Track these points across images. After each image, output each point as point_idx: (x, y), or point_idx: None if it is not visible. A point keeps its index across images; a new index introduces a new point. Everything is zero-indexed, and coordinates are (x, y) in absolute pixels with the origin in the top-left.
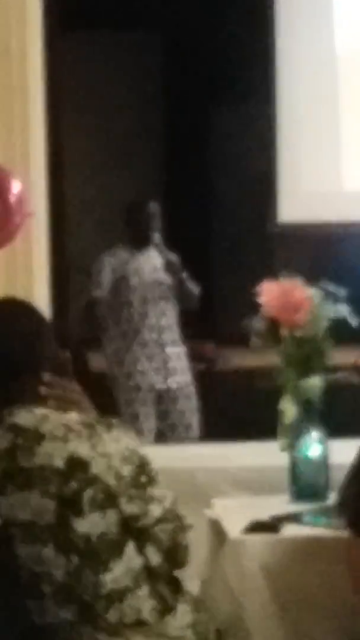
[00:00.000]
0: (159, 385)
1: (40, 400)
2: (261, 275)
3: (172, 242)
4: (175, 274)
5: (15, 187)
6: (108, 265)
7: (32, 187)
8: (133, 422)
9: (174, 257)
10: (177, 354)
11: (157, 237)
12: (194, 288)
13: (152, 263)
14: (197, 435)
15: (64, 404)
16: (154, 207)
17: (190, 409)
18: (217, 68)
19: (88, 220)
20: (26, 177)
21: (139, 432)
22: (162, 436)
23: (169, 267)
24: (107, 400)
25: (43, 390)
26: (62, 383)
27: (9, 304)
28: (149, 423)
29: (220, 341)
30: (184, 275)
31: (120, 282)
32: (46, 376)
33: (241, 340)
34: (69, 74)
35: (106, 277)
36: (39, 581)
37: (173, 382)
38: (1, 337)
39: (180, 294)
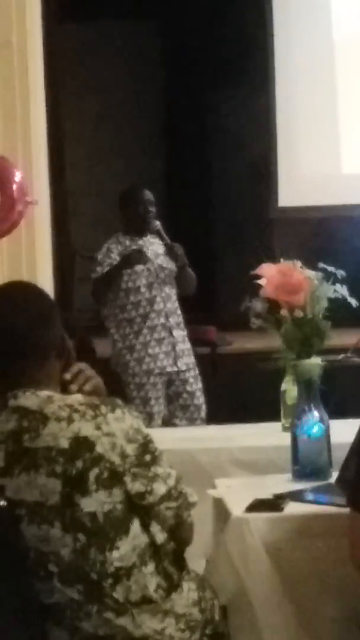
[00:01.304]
0: (169, 368)
1: (46, 383)
2: (261, 259)
3: (172, 227)
4: (177, 260)
5: (17, 176)
6: (115, 250)
7: (34, 175)
8: (144, 406)
9: (175, 244)
10: (182, 336)
11: (157, 224)
12: (193, 273)
13: (154, 249)
14: (206, 415)
15: (85, 389)
16: (148, 194)
17: (199, 389)
18: (215, 54)
19: (91, 207)
20: (28, 166)
21: (150, 416)
22: (173, 418)
23: (171, 253)
24: (114, 386)
25: (68, 375)
26: (84, 369)
27: (21, 288)
28: (159, 406)
29: (222, 325)
30: (185, 260)
31: (125, 269)
32: (82, 364)
33: (242, 323)
34: (69, 62)
35: (113, 259)
36: (46, 561)
37: (182, 365)
38: (11, 319)
39: (181, 279)
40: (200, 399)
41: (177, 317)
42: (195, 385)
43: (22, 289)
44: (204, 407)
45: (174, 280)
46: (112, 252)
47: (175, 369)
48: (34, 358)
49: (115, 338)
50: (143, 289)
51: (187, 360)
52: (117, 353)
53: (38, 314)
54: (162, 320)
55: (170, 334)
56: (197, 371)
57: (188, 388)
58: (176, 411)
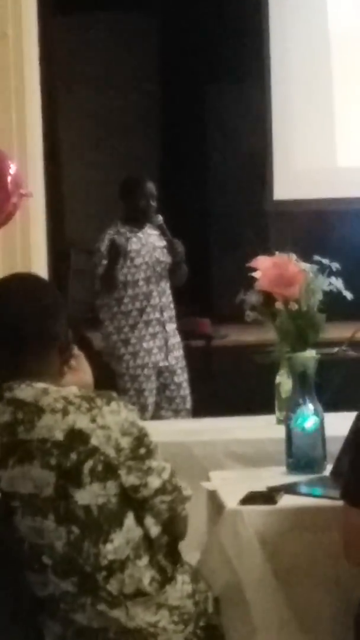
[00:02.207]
0: (162, 362)
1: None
2: (257, 252)
3: (168, 220)
4: (177, 256)
5: (12, 168)
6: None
7: (29, 167)
8: (138, 398)
9: (176, 240)
10: (174, 330)
11: (160, 218)
12: (185, 267)
13: (152, 241)
14: (191, 406)
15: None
16: (150, 187)
17: (185, 380)
18: (212, 49)
19: (86, 200)
20: (23, 158)
21: (144, 407)
22: (159, 409)
23: (171, 248)
24: (106, 378)
25: (74, 363)
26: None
27: (29, 279)
28: (152, 397)
29: (218, 317)
30: (183, 256)
31: (124, 261)
32: (76, 349)
33: (237, 316)
34: (65, 55)
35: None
36: (40, 553)
37: (172, 359)
38: (17, 308)
39: (175, 272)
40: (186, 390)
41: (170, 311)
42: (182, 376)
43: (31, 280)
44: (189, 398)
45: (168, 273)
46: (110, 247)
47: (166, 363)
48: (35, 349)
49: (110, 330)
50: (141, 283)
51: (177, 354)
52: (112, 345)
53: (45, 306)
54: (157, 314)
55: (164, 328)
56: (184, 362)
57: (176, 379)
58: (162, 402)
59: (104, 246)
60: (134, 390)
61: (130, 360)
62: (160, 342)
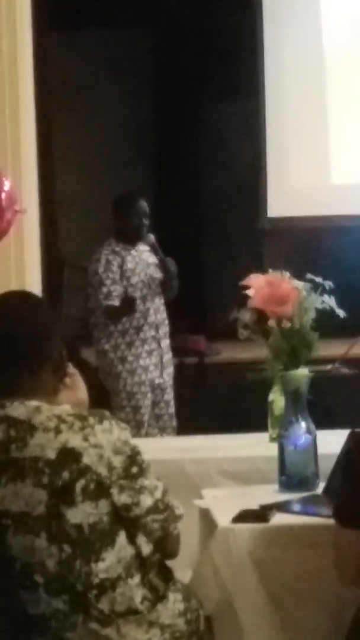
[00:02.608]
0: (157, 379)
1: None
2: (251, 270)
3: (161, 237)
4: (169, 273)
5: (6, 185)
6: (115, 262)
7: (23, 184)
8: (135, 415)
9: (169, 258)
10: (167, 346)
11: (152, 237)
12: (176, 282)
13: (145, 259)
14: (176, 425)
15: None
16: (143, 205)
17: (172, 398)
18: (205, 65)
19: (80, 216)
20: (17, 175)
21: (140, 424)
22: (148, 426)
23: (163, 267)
24: (101, 395)
25: (69, 381)
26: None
27: (24, 297)
28: (147, 415)
29: (212, 334)
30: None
31: (122, 280)
32: (71, 367)
33: (231, 333)
34: (59, 71)
35: (115, 273)
36: (31, 571)
37: (166, 375)
38: (11, 326)
39: (167, 287)
40: (173, 408)
41: (165, 328)
42: (171, 394)
43: (26, 299)
44: (174, 416)
45: (161, 291)
46: (112, 266)
47: (161, 380)
48: (28, 369)
49: (106, 348)
50: (138, 302)
51: (170, 371)
52: (108, 363)
53: (38, 325)
54: (153, 332)
55: (159, 345)
56: (172, 379)
57: (165, 397)
58: (150, 419)
59: (101, 267)
60: (131, 407)
61: (128, 378)
62: (156, 359)
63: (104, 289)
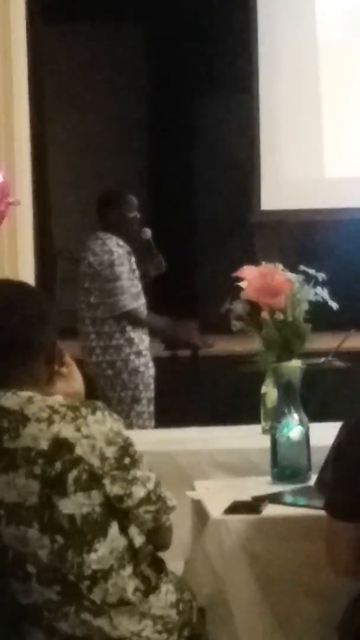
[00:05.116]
0: (153, 371)
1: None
2: (243, 262)
3: (155, 230)
4: (160, 269)
5: None
6: (124, 257)
7: (16, 175)
8: (148, 407)
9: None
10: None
11: (148, 232)
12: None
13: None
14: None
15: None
16: (134, 199)
17: (153, 397)
18: (199, 58)
19: (73, 208)
20: (10, 166)
21: (151, 416)
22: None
23: (158, 263)
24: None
25: (65, 371)
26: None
27: (18, 286)
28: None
29: (205, 327)
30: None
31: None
32: (67, 357)
33: (224, 325)
34: (53, 64)
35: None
36: (24, 561)
37: (154, 372)
38: (3, 316)
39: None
40: (152, 406)
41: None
42: (153, 392)
43: (17, 289)
44: (153, 415)
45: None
46: (122, 259)
47: (151, 380)
48: (21, 358)
49: (119, 342)
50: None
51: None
52: (123, 358)
53: (32, 314)
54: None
55: (147, 343)
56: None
57: (149, 395)
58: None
59: (116, 258)
60: (146, 399)
61: (146, 371)
62: (145, 359)
63: (118, 284)
